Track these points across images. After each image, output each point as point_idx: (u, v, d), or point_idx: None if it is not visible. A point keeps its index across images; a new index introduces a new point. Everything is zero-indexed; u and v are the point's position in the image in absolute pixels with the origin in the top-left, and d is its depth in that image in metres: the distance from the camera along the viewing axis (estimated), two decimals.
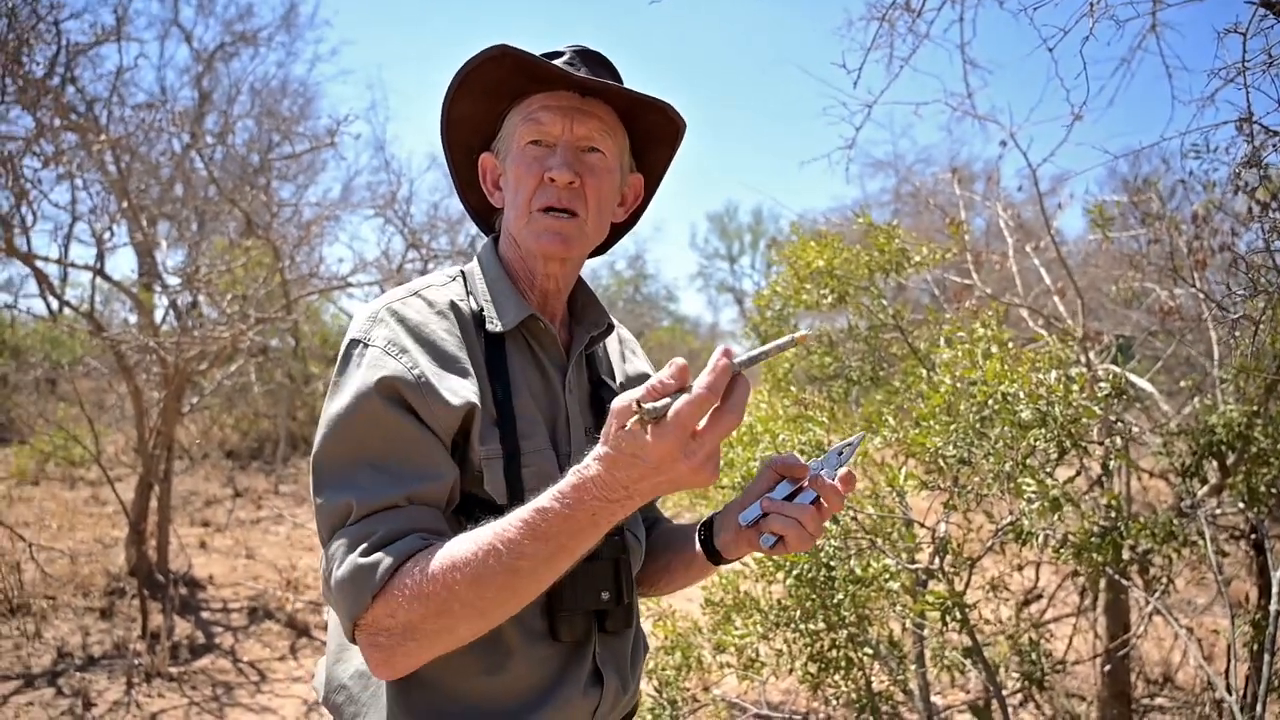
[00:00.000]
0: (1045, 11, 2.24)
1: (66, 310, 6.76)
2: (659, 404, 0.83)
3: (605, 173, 1.20)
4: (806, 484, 1.13)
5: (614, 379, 1.34)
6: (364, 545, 0.99)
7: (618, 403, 0.87)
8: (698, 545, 1.30)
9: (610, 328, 1.31)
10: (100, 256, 6.13)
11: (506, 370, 1.14)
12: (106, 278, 6.04)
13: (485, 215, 1.35)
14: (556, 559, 0.93)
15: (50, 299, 6.96)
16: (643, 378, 1.38)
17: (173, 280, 6.42)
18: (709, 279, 30.37)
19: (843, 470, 1.12)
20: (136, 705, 4.16)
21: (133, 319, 7.19)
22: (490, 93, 1.20)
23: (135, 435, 6.03)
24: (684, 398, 0.83)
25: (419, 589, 0.95)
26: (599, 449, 0.88)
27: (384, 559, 0.97)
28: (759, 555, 2.47)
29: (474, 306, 1.18)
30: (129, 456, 9.10)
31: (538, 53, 1.16)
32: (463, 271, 1.25)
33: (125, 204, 5.96)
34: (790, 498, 1.13)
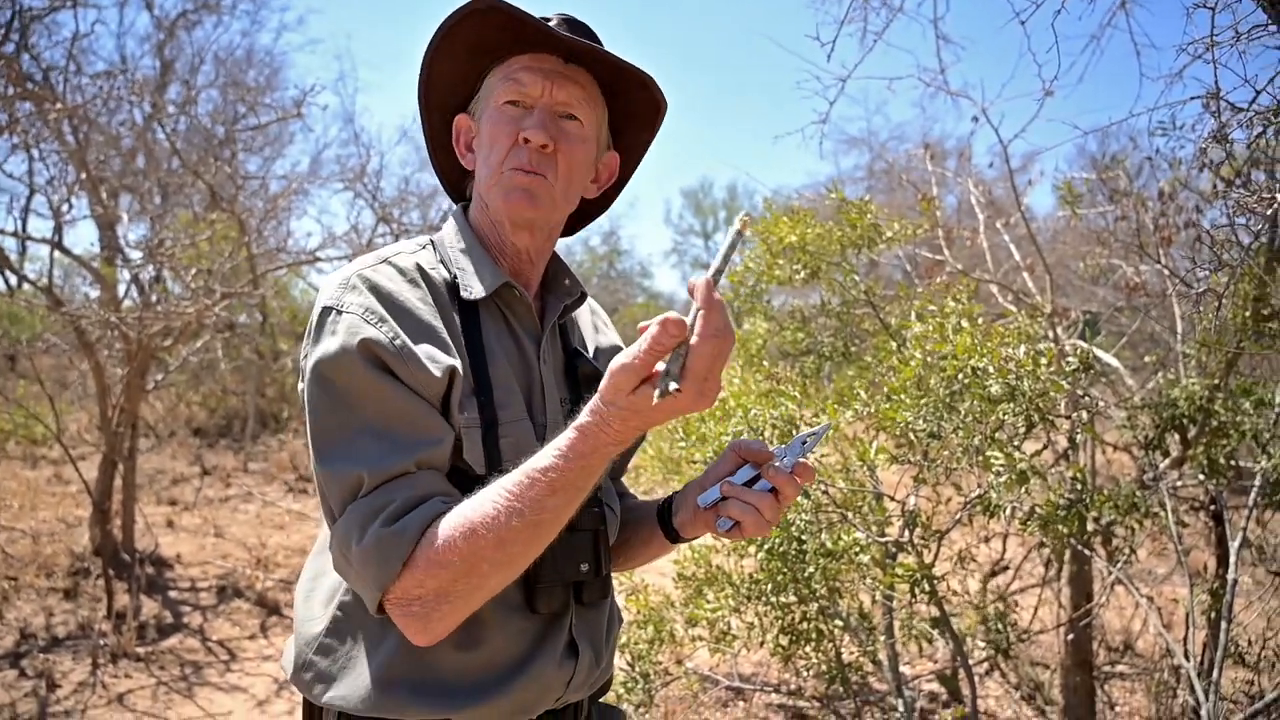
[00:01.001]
0: None
1: (25, 285, 6.59)
2: (668, 369, 0.89)
3: (580, 141, 1.17)
4: (765, 473, 1.13)
5: (586, 349, 1.32)
6: (384, 515, 0.99)
7: (616, 365, 0.90)
8: (656, 523, 1.31)
9: (583, 296, 1.29)
10: (59, 229, 5.98)
11: (482, 339, 1.12)
12: (66, 251, 5.89)
13: (454, 180, 1.32)
14: (574, 504, 0.98)
15: (7, 274, 6.79)
16: (614, 350, 1.37)
17: (135, 254, 6.28)
18: (683, 255, 30.35)
19: (802, 460, 1.13)
20: (102, 686, 4.11)
21: (94, 294, 7.03)
22: (472, 51, 1.17)
23: (98, 413, 5.91)
24: (694, 351, 0.88)
25: (446, 555, 0.97)
26: (605, 407, 0.92)
27: (408, 528, 0.98)
28: None
29: (446, 275, 1.15)
30: (92, 434, 8.94)
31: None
32: (432, 240, 1.22)
33: (84, 175, 5.81)
34: (751, 483, 1.14)
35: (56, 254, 5.94)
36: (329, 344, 1.04)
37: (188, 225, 6.92)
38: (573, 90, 1.16)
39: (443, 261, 1.18)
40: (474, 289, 1.14)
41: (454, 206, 1.27)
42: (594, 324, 1.40)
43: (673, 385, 0.88)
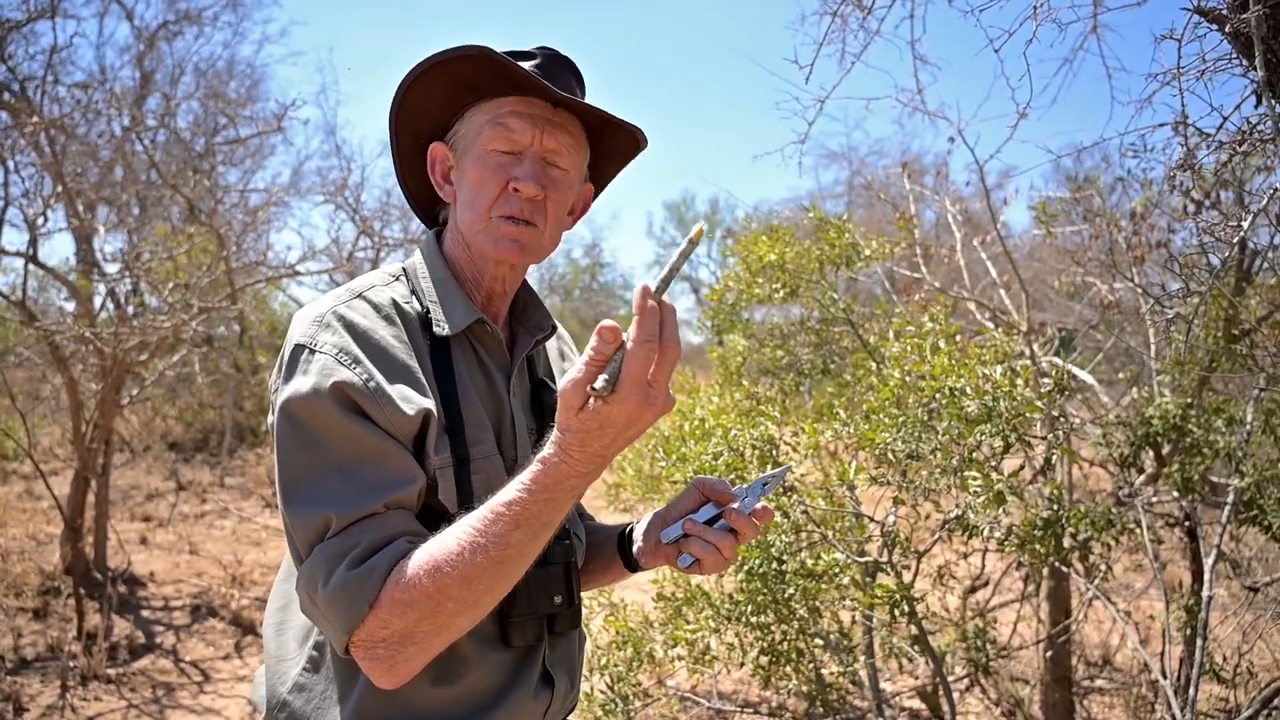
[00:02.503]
0: (991, 13, 2.27)
1: None
2: (607, 376, 0.87)
3: (566, 188, 1.19)
4: (726, 515, 1.17)
5: (553, 379, 1.33)
6: (349, 557, 0.97)
7: (564, 385, 0.89)
8: (617, 551, 1.34)
9: (554, 330, 1.30)
10: (34, 242, 5.90)
11: (454, 374, 1.12)
12: (41, 265, 5.81)
13: (424, 202, 1.30)
14: (540, 539, 0.96)
15: None
16: None
17: (111, 267, 6.21)
18: (665, 268, 30.31)
19: (760, 504, 1.18)
20: (71, 709, 4.03)
21: (69, 307, 6.93)
22: (457, 85, 1.17)
23: (71, 427, 5.83)
24: (628, 356, 0.86)
25: (410, 594, 0.95)
26: (562, 435, 0.91)
27: (375, 569, 0.96)
28: None
29: (419, 308, 1.15)
30: (65, 449, 8.80)
31: (503, 49, 1.14)
32: (404, 269, 1.21)
33: (61, 188, 5.74)
34: (712, 521, 1.18)
35: (31, 267, 5.86)
36: (300, 384, 1.03)
37: (165, 238, 6.86)
38: (561, 138, 1.16)
39: (415, 293, 1.17)
40: (446, 324, 1.13)
41: (427, 235, 1.26)
42: (560, 350, 1.40)
43: (600, 382, 0.86)
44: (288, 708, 1.11)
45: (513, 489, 0.94)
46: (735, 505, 1.17)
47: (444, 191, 1.22)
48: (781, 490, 2.40)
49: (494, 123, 1.15)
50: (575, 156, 1.19)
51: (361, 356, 1.04)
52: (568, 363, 1.40)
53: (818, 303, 3.36)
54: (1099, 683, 4.65)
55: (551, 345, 1.38)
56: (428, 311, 1.15)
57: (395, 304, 1.13)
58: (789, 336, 3.76)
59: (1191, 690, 2.62)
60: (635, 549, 1.31)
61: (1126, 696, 4.12)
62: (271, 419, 1.07)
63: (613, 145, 1.25)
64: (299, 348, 1.05)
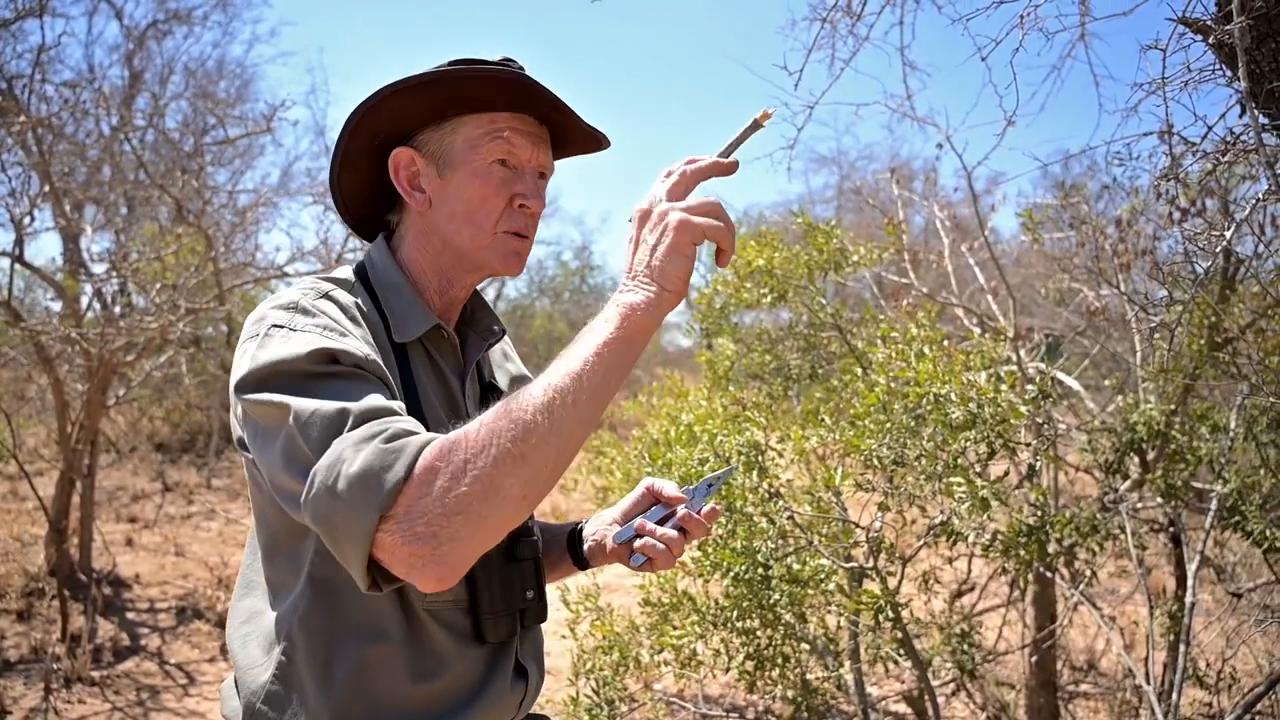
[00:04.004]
0: (979, 21, 2.28)
1: None
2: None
3: (544, 197, 1.24)
4: (678, 515, 1.24)
5: (496, 380, 1.35)
6: (381, 436, 0.87)
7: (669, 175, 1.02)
8: (566, 550, 1.39)
9: (503, 333, 1.33)
10: (20, 242, 5.86)
11: (414, 379, 1.14)
12: (27, 264, 5.77)
13: (353, 203, 1.25)
14: (604, 394, 0.89)
15: None
16: (522, 379, 1.40)
17: (98, 267, 6.17)
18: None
19: (708, 507, 1.24)
20: (55, 712, 4.00)
21: (56, 307, 6.88)
22: (454, 97, 1.15)
23: (56, 428, 5.79)
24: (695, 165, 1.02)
25: (455, 454, 0.85)
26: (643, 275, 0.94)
27: (409, 444, 0.86)
28: (694, 554, 2.50)
29: (377, 315, 1.15)
30: (50, 450, 8.74)
31: (467, 55, 1.15)
32: (355, 275, 1.19)
33: (48, 187, 5.71)
34: (663, 521, 1.25)
35: (17, 267, 5.82)
36: (289, 346, 0.98)
37: (153, 238, 6.82)
38: (546, 152, 1.22)
39: (373, 299, 1.17)
40: (404, 331, 1.15)
41: (378, 241, 1.23)
42: (503, 351, 1.42)
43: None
44: (262, 718, 1.09)
45: (591, 344, 0.89)
46: (682, 507, 1.24)
47: (413, 199, 1.18)
48: (767, 496, 2.40)
49: (493, 136, 1.15)
50: (553, 166, 1.26)
51: (349, 330, 1.04)
52: (510, 364, 1.42)
53: (806, 308, 3.37)
54: (1084, 687, 4.68)
55: (495, 348, 1.40)
56: (385, 317, 1.16)
57: (359, 307, 1.12)
58: (777, 341, 3.77)
59: (1175, 695, 2.64)
60: (585, 548, 1.36)
61: (1111, 701, 4.14)
62: (238, 412, 1.02)
63: (562, 153, 1.29)
64: (276, 326, 1.01)
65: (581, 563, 1.38)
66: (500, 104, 1.16)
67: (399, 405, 0.95)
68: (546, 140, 1.22)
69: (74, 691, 4.22)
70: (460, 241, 1.17)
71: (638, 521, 1.25)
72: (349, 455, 0.86)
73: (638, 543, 1.24)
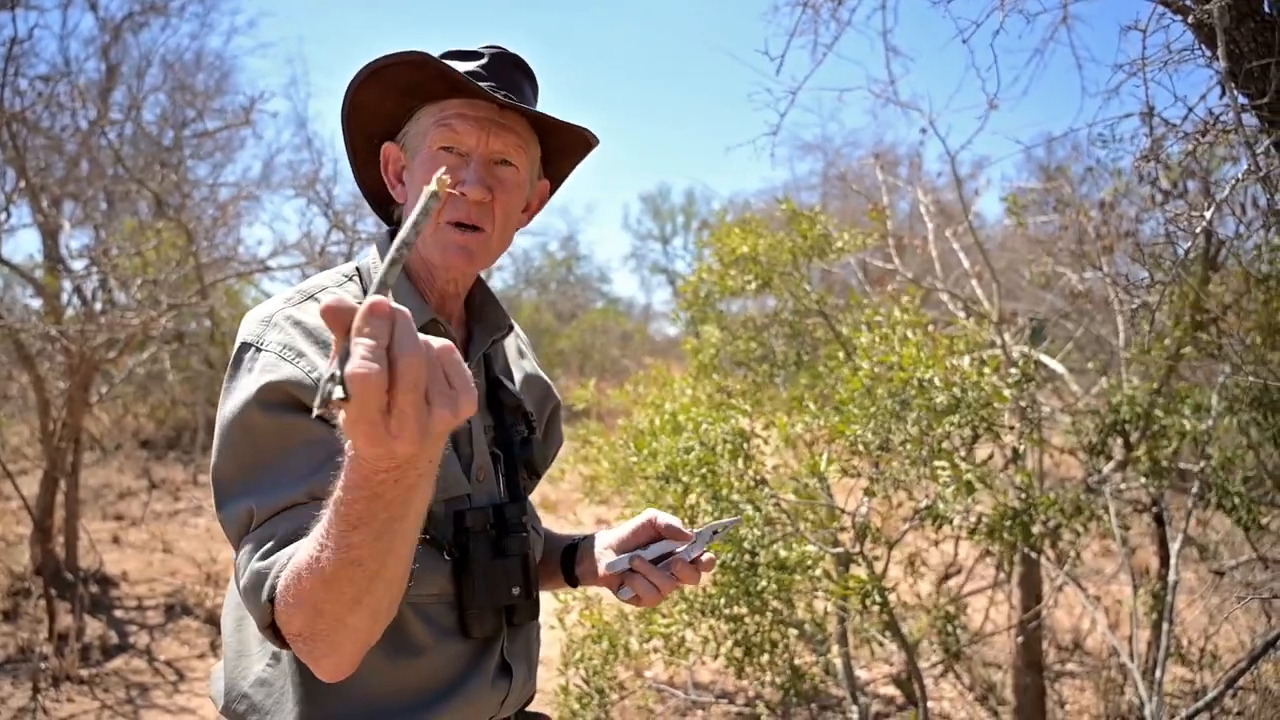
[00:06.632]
0: (960, 4, 2.28)
1: None
2: (328, 380, 0.66)
3: (515, 187, 1.18)
4: (675, 554, 1.22)
5: (510, 377, 1.33)
6: (264, 549, 0.97)
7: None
8: (560, 564, 1.37)
9: (510, 329, 1.31)
10: None
11: None
12: (4, 261, 5.71)
13: (381, 199, 1.30)
14: (391, 535, 0.80)
15: None
16: (536, 377, 1.40)
17: (77, 264, 6.10)
18: (642, 260, 30.26)
19: (707, 555, 1.23)
20: (43, 711, 3.97)
21: (35, 304, 6.81)
22: (403, 90, 1.16)
23: (39, 426, 5.73)
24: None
25: (293, 595, 0.89)
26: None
27: (274, 563, 0.95)
28: None
29: None
30: (33, 449, 8.66)
31: (454, 48, 1.16)
32: (358, 269, 1.22)
33: (24, 182, 5.63)
34: (658, 560, 1.24)
35: None
36: (244, 382, 1.04)
37: (133, 233, 6.74)
38: (508, 139, 1.16)
39: (368, 292, 1.16)
40: None
41: (380, 233, 1.27)
42: (518, 348, 1.41)
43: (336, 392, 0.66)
44: (247, 699, 1.11)
45: (336, 488, 0.79)
46: (682, 549, 1.22)
47: (397, 192, 1.23)
48: (753, 483, 2.40)
49: (440, 124, 1.15)
50: (524, 154, 1.19)
51: (306, 350, 1.04)
52: (526, 360, 1.41)
53: (791, 294, 3.37)
54: (1070, 667, 4.73)
55: (510, 343, 1.39)
56: None
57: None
58: (763, 328, 3.77)
59: (1159, 672, 2.66)
60: (578, 567, 1.35)
61: (1096, 680, 4.19)
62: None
63: (563, 142, 1.25)
64: (245, 345, 1.07)
65: (573, 581, 1.37)
66: (445, 91, 1.15)
67: (330, 433, 0.91)
68: (509, 125, 1.16)
69: (62, 690, 4.19)
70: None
71: (633, 557, 1.24)
72: (243, 564, 0.98)
73: (629, 578, 1.23)
